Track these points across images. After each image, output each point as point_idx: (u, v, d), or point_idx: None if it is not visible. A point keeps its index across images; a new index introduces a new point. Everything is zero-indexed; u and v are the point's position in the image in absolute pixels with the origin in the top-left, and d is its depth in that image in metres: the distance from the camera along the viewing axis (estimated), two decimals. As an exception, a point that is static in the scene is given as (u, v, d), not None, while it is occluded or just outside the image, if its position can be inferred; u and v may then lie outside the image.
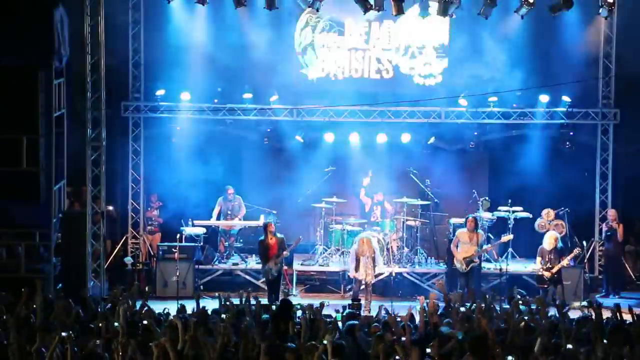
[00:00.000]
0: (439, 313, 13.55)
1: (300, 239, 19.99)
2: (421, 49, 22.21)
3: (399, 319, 12.88)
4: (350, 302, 17.80)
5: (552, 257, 18.99)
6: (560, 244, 19.28)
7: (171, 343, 10.49)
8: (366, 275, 19.17)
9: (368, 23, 22.04)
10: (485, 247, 19.60)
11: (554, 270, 18.90)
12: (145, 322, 12.15)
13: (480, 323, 11.71)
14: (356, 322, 12.66)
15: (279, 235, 19.34)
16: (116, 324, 11.48)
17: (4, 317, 12.00)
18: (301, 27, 22.23)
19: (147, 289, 19.52)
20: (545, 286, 18.94)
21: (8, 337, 10.86)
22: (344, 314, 14.25)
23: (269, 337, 11.14)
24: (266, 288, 19.55)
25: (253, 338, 10.88)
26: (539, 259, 19.15)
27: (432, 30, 22.09)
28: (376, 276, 19.77)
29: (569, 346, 11.13)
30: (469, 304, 14.04)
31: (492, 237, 20.94)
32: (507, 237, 19.84)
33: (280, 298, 18.40)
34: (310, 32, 22.26)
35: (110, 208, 21.45)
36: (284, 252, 19.23)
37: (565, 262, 19.04)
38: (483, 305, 13.75)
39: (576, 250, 19.67)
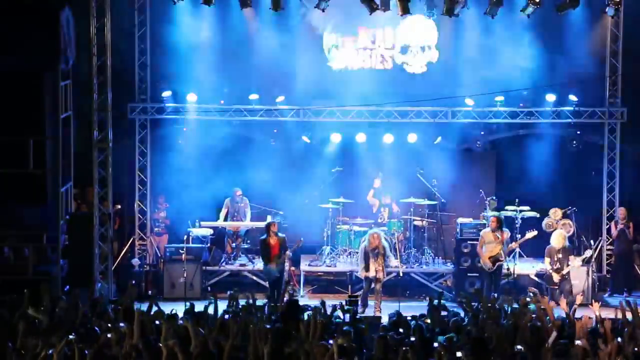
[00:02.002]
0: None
1: (302, 241, 19.97)
2: (413, 47, 22.41)
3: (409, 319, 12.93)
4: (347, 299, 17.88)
5: (560, 256, 18.88)
6: (567, 243, 19.21)
7: (180, 345, 10.49)
8: (377, 272, 19.12)
9: (374, 30, 22.32)
10: (510, 244, 19.55)
11: (563, 272, 18.81)
12: (157, 322, 12.17)
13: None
14: (362, 322, 12.68)
15: (280, 235, 19.33)
16: (122, 324, 11.47)
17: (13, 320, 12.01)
18: (328, 32, 22.34)
19: (150, 292, 19.55)
20: (555, 287, 18.87)
21: (15, 339, 10.88)
22: (346, 310, 14.21)
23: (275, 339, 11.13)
24: (268, 288, 19.54)
25: (261, 339, 10.87)
26: (547, 259, 19.06)
27: (422, 32, 22.34)
28: (388, 273, 19.76)
29: (578, 342, 11.11)
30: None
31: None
32: (531, 234, 19.73)
33: (284, 298, 18.40)
34: (334, 36, 22.40)
35: (118, 207, 21.49)
36: (287, 253, 19.21)
37: (575, 264, 18.94)
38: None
39: (587, 253, 19.60)
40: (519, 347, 10.99)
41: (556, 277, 18.81)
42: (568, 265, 18.85)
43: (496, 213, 20.80)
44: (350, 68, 22.54)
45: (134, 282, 16.82)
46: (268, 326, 11.84)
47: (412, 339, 11.48)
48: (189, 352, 10.68)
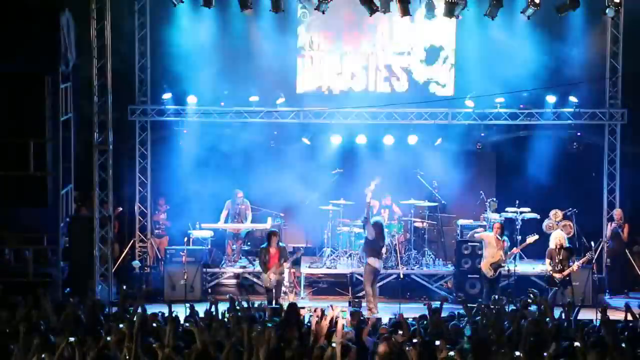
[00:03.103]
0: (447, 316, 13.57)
1: (301, 252, 19.98)
2: (429, 50, 22.38)
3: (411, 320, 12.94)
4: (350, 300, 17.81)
5: (561, 257, 18.83)
6: (567, 243, 19.13)
7: (179, 349, 10.51)
8: None
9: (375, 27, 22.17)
10: (511, 250, 19.49)
11: (565, 273, 18.74)
12: (154, 325, 12.17)
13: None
14: (364, 323, 12.68)
15: (281, 244, 19.20)
16: (121, 325, 11.48)
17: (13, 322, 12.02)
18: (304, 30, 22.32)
19: (143, 290, 19.58)
20: (556, 288, 18.82)
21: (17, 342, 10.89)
22: (349, 312, 14.25)
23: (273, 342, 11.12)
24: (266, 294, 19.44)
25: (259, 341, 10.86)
26: (548, 260, 19.00)
27: (438, 32, 22.19)
28: (388, 275, 19.84)
29: (576, 344, 11.11)
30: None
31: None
32: (532, 238, 19.66)
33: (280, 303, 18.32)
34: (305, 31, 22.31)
35: (120, 209, 21.52)
36: (285, 263, 19.10)
37: (576, 266, 18.88)
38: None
39: (588, 255, 19.56)
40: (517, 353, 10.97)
41: (558, 277, 18.75)
42: (569, 266, 18.80)
43: (498, 217, 20.83)
44: (326, 92, 22.47)
45: (124, 287, 16.81)
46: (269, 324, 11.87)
47: (414, 340, 11.48)
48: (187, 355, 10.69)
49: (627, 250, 21.38)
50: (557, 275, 18.76)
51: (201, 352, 10.82)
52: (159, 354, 10.37)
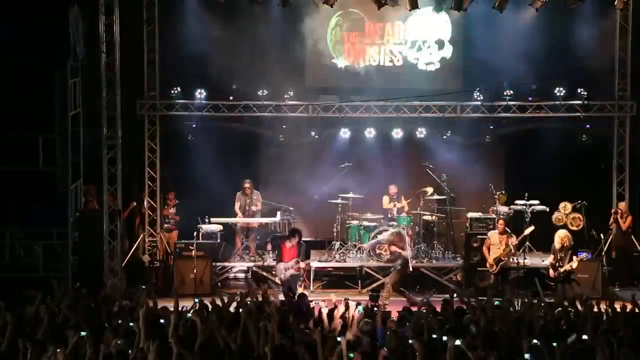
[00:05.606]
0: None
1: (309, 263, 20.02)
2: (425, 42, 22.40)
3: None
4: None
5: (562, 255, 18.61)
6: (569, 242, 18.84)
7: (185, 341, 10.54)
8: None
9: (383, 24, 22.26)
10: (511, 244, 19.44)
11: (560, 270, 18.53)
12: (162, 320, 12.19)
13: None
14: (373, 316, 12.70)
15: (302, 243, 19.11)
16: (131, 323, 11.50)
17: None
18: (332, 27, 22.34)
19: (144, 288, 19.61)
20: (552, 284, 18.67)
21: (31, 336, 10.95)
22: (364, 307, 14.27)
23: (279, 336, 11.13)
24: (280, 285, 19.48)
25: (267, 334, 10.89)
26: (551, 256, 18.87)
27: (435, 26, 22.30)
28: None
29: (585, 337, 11.12)
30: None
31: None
32: (529, 230, 19.66)
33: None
34: (340, 31, 22.39)
35: (134, 204, 21.58)
36: (302, 264, 19.01)
37: (567, 267, 18.56)
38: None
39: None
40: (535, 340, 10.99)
41: (552, 274, 18.58)
42: (568, 263, 18.52)
43: (507, 209, 20.78)
44: (357, 65, 22.51)
45: (143, 287, 16.84)
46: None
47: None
48: (194, 347, 10.72)
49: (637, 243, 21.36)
50: (552, 272, 18.57)
51: (208, 344, 10.86)
52: (174, 349, 10.41)
